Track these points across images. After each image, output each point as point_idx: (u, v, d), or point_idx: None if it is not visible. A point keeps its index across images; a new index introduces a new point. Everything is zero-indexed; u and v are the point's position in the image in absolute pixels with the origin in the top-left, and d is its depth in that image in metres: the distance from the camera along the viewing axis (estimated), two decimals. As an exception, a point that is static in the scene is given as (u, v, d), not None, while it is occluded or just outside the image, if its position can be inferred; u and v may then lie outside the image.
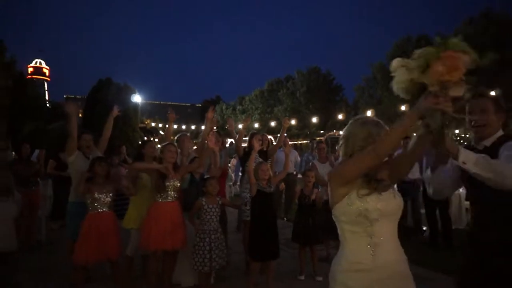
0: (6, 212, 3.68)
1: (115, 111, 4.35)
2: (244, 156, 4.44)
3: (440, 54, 1.36)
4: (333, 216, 1.65)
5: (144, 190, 3.75)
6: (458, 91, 1.38)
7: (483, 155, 1.67)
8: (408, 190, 5.90)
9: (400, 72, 1.49)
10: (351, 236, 1.58)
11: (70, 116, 3.79)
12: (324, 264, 4.29)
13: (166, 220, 3.41)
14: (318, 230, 4.23)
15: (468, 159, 1.63)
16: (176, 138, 4.50)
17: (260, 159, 4.38)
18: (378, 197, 1.55)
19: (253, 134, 4.47)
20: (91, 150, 4.06)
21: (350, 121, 1.72)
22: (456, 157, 1.64)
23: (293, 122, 26.42)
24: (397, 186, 6.39)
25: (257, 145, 4.03)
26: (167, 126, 4.60)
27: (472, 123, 1.93)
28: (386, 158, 1.53)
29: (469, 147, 1.92)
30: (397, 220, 1.64)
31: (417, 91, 1.46)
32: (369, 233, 1.54)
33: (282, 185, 5.40)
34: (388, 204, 1.56)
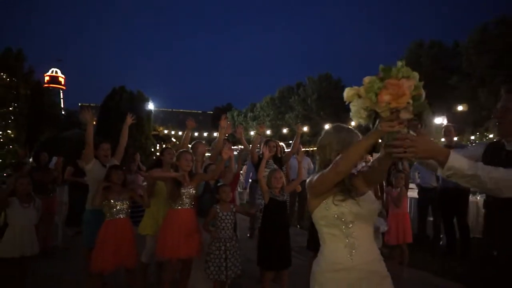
0: (29, 217, 3.75)
1: (129, 119, 4.40)
2: (258, 163, 4.45)
3: (384, 83, 1.42)
4: (313, 221, 1.78)
5: (159, 197, 3.79)
6: (407, 114, 1.47)
7: (479, 164, 1.54)
8: (427, 198, 5.83)
9: (354, 102, 1.54)
10: (330, 238, 1.70)
11: (86, 124, 3.84)
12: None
13: (182, 228, 3.42)
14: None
15: (460, 169, 1.49)
16: (191, 145, 4.54)
17: (275, 166, 4.39)
18: (353, 202, 1.67)
19: (267, 141, 4.49)
20: (108, 159, 4.11)
21: (325, 130, 1.90)
22: (441, 164, 1.50)
23: (305, 129, 26.33)
24: (418, 195, 6.31)
25: (267, 153, 4.03)
26: (185, 133, 4.65)
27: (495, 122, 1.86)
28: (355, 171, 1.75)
29: (494, 146, 1.84)
30: (372, 222, 1.77)
31: (374, 118, 1.54)
32: (346, 234, 1.65)
33: (299, 187, 5.39)
34: (362, 208, 1.67)
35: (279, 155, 4.74)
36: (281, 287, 3.69)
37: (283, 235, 3.70)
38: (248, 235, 6.57)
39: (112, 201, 3.43)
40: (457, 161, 1.48)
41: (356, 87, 1.54)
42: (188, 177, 3.52)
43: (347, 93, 1.56)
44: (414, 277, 4.28)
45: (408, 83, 1.45)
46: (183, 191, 3.47)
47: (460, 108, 16.06)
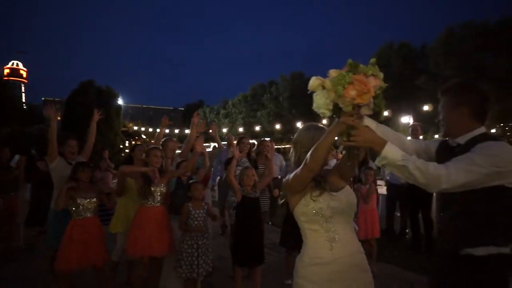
0: None
1: (97, 115, 4.24)
2: (229, 161, 4.43)
3: (351, 79, 1.46)
4: (295, 218, 1.82)
5: (130, 194, 3.70)
6: (367, 111, 1.54)
7: (412, 157, 1.58)
8: (395, 194, 6.01)
9: (318, 94, 1.56)
10: (311, 233, 1.76)
11: (50, 120, 3.68)
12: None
13: (152, 225, 3.36)
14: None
15: (392, 159, 1.57)
16: (161, 142, 4.46)
17: (248, 164, 4.38)
18: (330, 197, 1.74)
19: (240, 138, 4.47)
20: (75, 156, 3.95)
21: (299, 129, 1.96)
22: (378, 153, 1.60)
23: (277, 126, 26.56)
24: (387, 191, 6.46)
25: (237, 153, 4.02)
26: (157, 130, 4.56)
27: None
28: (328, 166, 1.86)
29: (443, 143, 1.84)
30: (351, 216, 1.84)
31: (335, 110, 1.57)
32: (326, 229, 1.72)
33: (276, 192, 5.41)
34: (340, 202, 1.74)
35: (252, 154, 4.73)
36: (254, 284, 3.70)
37: (256, 232, 3.71)
38: (220, 232, 6.54)
39: (78, 200, 3.31)
40: (391, 151, 1.56)
41: (321, 78, 1.56)
42: (158, 174, 3.47)
43: (313, 82, 1.58)
44: (383, 271, 4.40)
45: (374, 82, 1.50)
46: (153, 188, 3.42)
47: (426, 108, 16.73)
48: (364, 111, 1.54)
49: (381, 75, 1.55)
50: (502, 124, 22.31)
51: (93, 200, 3.39)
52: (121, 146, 19.07)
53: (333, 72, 1.53)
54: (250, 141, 5.17)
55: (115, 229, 3.77)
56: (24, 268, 4.74)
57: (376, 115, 1.63)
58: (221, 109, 49.28)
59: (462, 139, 1.72)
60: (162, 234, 3.38)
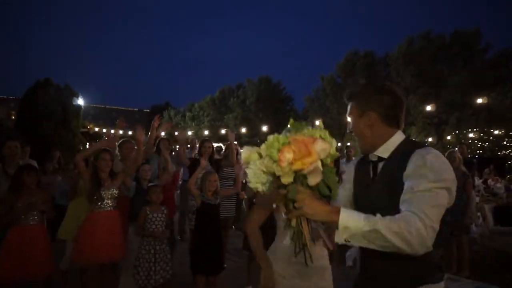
0: None
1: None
2: (191, 166, 4.31)
3: (288, 139, 1.21)
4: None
5: (80, 199, 3.51)
6: (316, 178, 1.21)
7: (375, 217, 1.21)
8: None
9: (252, 164, 1.27)
10: (283, 233, 1.97)
11: None
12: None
13: (103, 231, 3.18)
14: (269, 238, 4.18)
15: (356, 227, 1.20)
16: (118, 143, 4.28)
17: (210, 168, 4.29)
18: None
19: (203, 141, 4.39)
20: (17, 160, 3.68)
21: None
22: (337, 226, 1.22)
23: (243, 130, 26.50)
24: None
25: (204, 162, 3.89)
26: (112, 131, 4.37)
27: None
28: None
29: (361, 163, 1.59)
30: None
31: (276, 186, 1.26)
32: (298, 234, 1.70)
33: (243, 195, 5.34)
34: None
35: (219, 157, 4.65)
36: None
37: (215, 240, 3.61)
38: (179, 237, 6.37)
39: (20, 205, 3.04)
40: (349, 217, 1.20)
41: (256, 147, 1.29)
42: (108, 177, 3.33)
43: (245, 153, 1.29)
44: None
45: (322, 145, 1.20)
46: (103, 192, 3.25)
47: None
48: (312, 179, 1.20)
49: (334, 142, 1.26)
50: (457, 132, 23.59)
51: (36, 205, 3.11)
52: (81, 148, 18.24)
53: (271, 137, 1.27)
54: (217, 144, 5.10)
55: (63, 235, 3.57)
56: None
57: (327, 198, 1.27)
58: (187, 111, 48.63)
59: (384, 152, 1.45)
60: (112, 239, 3.21)
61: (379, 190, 1.42)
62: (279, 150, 1.19)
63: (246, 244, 4.08)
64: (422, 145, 1.42)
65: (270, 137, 1.26)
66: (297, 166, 1.18)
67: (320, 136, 1.23)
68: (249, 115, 40.39)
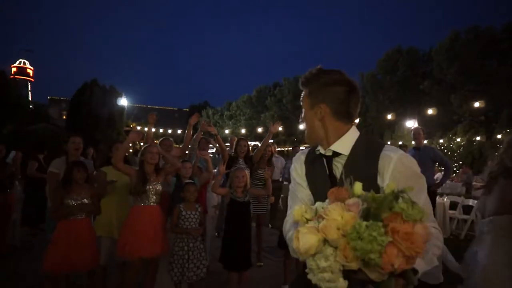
0: None
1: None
2: (230, 162, 4.35)
3: (389, 230, 0.86)
4: None
5: (115, 196, 3.60)
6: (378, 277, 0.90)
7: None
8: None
9: (318, 257, 0.93)
10: None
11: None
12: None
13: (146, 225, 3.25)
14: None
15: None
16: (158, 142, 4.40)
17: (245, 165, 4.32)
18: None
19: (239, 140, 4.41)
20: (79, 154, 3.92)
21: None
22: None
23: (280, 128, 26.44)
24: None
25: (222, 168, 3.86)
26: (160, 130, 4.49)
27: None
28: None
29: (311, 154, 1.48)
30: None
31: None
32: None
33: (272, 199, 5.31)
34: None
35: (251, 154, 4.64)
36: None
37: (243, 237, 3.62)
38: (216, 234, 6.46)
39: (69, 201, 3.20)
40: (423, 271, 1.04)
41: (313, 227, 0.94)
42: (154, 172, 3.40)
43: (304, 239, 0.94)
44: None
45: (421, 229, 0.88)
46: (148, 187, 3.32)
47: (430, 111, 16.55)
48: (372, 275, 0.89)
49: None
50: (508, 131, 22.05)
51: (84, 201, 3.27)
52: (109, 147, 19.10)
53: (333, 210, 0.93)
54: (254, 142, 5.09)
55: (98, 231, 3.59)
56: (20, 269, 4.67)
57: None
58: (225, 110, 49.30)
59: (340, 147, 1.36)
60: (155, 234, 3.27)
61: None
62: (370, 242, 0.84)
63: (281, 241, 4.06)
64: (381, 143, 1.38)
65: (348, 221, 0.89)
66: (401, 265, 0.85)
67: (414, 219, 0.88)
68: (286, 113, 40.26)
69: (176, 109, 76.47)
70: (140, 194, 3.31)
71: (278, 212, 7.72)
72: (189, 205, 3.49)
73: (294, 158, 1.55)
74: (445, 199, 6.90)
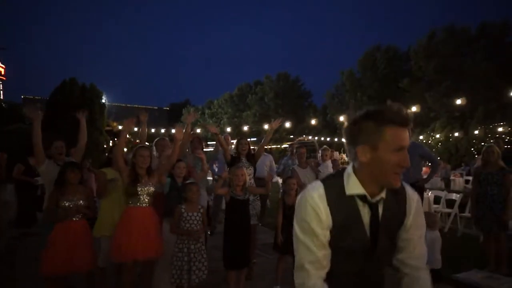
0: None
1: (81, 115, 4.09)
2: (232, 162, 4.33)
3: None
4: None
5: (115, 195, 3.56)
6: None
7: None
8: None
9: None
10: None
11: (32, 120, 3.46)
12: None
13: (138, 227, 3.20)
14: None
15: None
16: (154, 142, 4.35)
17: (247, 163, 4.34)
18: None
19: (239, 139, 4.42)
20: (63, 157, 3.83)
21: None
22: None
23: (265, 126, 26.45)
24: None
25: (225, 174, 3.87)
26: (140, 129, 4.43)
27: None
28: None
29: (333, 191, 1.34)
30: None
31: None
32: None
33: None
34: None
35: (252, 152, 4.65)
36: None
37: (242, 235, 3.63)
38: (209, 232, 6.45)
39: (65, 203, 3.16)
40: None
41: None
42: (145, 173, 3.36)
43: None
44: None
45: None
46: (140, 188, 3.28)
47: (414, 109, 16.98)
48: None
49: None
50: (483, 126, 22.89)
51: (80, 202, 3.23)
52: (105, 146, 18.65)
53: None
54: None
55: (99, 232, 3.60)
56: (9, 271, 4.55)
57: None
58: (206, 109, 49.03)
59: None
60: (148, 236, 3.22)
61: (383, 234, 1.31)
62: None
63: (276, 244, 4.07)
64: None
65: None
66: None
67: None
68: (268, 111, 40.38)
69: (156, 107, 75.41)
70: (132, 196, 3.27)
71: (266, 210, 7.76)
72: (191, 206, 3.44)
73: (312, 193, 1.31)
74: (429, 194, 7.11)
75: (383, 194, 1.30)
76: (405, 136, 1.22)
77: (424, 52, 27.06)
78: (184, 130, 4.06)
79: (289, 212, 4.13)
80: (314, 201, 1.29)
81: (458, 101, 17.23)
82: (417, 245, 1.37)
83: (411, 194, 1.37)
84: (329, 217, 1.27)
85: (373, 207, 1.29)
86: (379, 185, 1.28)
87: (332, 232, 1.29)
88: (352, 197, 1.29)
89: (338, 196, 1.30)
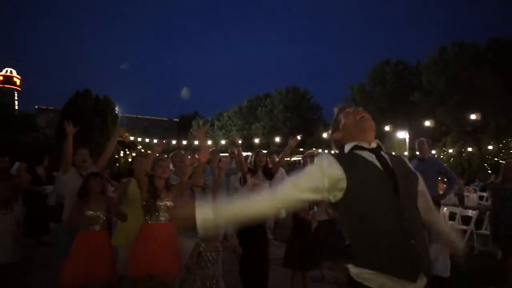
0: (7, 224, 3.51)
1: (121, 132, 4.36)
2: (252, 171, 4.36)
3: None
4: None
5: (132, 206, 3.60)
6: None
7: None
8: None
9: None
10: None
11: (68, 133, 3.67)
12: (318, 284, 4.17)
13: (156, 243, 3.15)
14: (314, 252, 3.98)
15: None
16: (170, 156, 4.38)
17: (263, 177, 4.34)
18: None
19: (257, 152, 4.44)
20: (87, 165, 3.89)
21: None
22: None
23: (277, 139, 26.58)
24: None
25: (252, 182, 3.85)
26: (155, 141, 4.47)
27: None
28: None
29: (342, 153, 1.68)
30: None
31: None
32: None
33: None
34: None
35: (270, 165, 4.66)
36: None
37: (260, 247, 3.64)
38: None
39: (88, 212, 3.19)
40: (201, 214, 1.38)
41: None
42: (164, 188, 3.33)
43: None
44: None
45: None
46: (159, 203, 3.23)
47: (427, 123, 16.90)
48: None
49: None
50: (496, 142, 22.60)
51: (102, 211, 3.27)
52: (116, 156, 18.87)
53: None
54: (247, 153, 5.10)
55: (116, 241, 3.66)
56: (22, 280, 4.58)
57: None
58: (216, 121, 49.26)
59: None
60: (165, 253, 3.16)
61: (401, 179, 1.46)
62: None
63: (286, 261, 4.02)
64: None
65: None
66: None
67: None
68: (277, 124, 40.43)
69: (166, 119, 76.12)
70: (151, 211, 3.22)
71: (279, 222, 7.69)
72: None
73: (321, 157, 1.54)
74: (444, 210, 7.01)
75: (374, 144, 1.56)
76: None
77: (434, 67, 27.04)
78: (201, 144, 4.03)
79: (302, 225, 4.09)
80: (323, 162, 1.49)
81: (473, 116, 17.06)
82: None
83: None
84: (340, 172, 1.44)
85: (376, 153, 1.51)
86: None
87: (352, 189, 1.42)
88: (354, 154, 1.53)
89: (343, 156, 1.56)
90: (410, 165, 1.62)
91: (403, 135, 20.65)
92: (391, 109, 30.13)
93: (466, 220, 6.93)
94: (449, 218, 7.01)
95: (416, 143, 5.56)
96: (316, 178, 1.45)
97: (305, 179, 1.48)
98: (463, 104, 24.22)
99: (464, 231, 6.69)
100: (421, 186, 1.60)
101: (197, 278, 3.12)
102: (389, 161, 1.50)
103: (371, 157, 1.51)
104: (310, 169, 1.54)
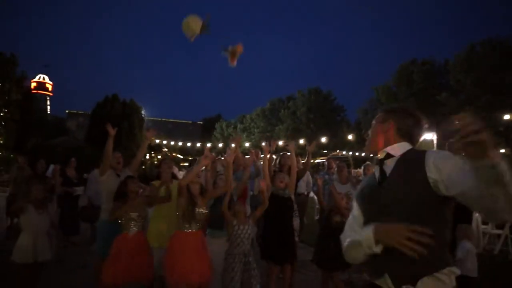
0: (43, 223, 3.68)
1: (151, 134, 4.43)
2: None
3: None
4: None
5: (162, 208, 3.68)
6: None
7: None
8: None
9: None
10: None
11: (109, 136, 3.86)
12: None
13: (193, 251, 3.13)
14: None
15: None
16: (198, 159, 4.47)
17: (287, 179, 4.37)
18: None
19: (283, 154, 4.47)
20: (121, 167, 4.07)
21: None
22: None
23: (301, 141, 26.43)
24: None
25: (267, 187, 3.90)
26: (179, 143, 4.55)
27: None
28: None
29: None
30: None
31: None
32: None
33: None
34: None
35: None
36: (283, 282, 3.71)
37: (285, 227, 3.74)
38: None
39: (131, 213, 3.30)
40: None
41: None
42: (199, 194, 3.30)
43: None
44: None
45: None
46: (198, 210, 3.19)
47: (450, 123, 16.32)
48: None
49: None
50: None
51: (141, 214, 3.37)
52: (142, 159, 19.38)
53: None
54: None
55: (151, 243, 3.65)
56: (56, 279, 4.75)
57: None
58: (239, 123, 49.49)
59: (393, 151, 1.65)
60: (201, 261, 3.14)
61: (395, 185, 1.53)
62: None
63: (315, 257, 3.99)
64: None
65: None
66: None
67: None
68: (300, 126, 40.22)
69: (190, 122, 77.19)
70: (189, 219, 3.16)
71: (304, 225, 7.65)
72: (242, 219, 3.48)
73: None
74: (477, 214, 6.77)
75: (381, 155, 1.66)
76: None
77: (462, 66, 26.17)
78: (234, 153, 4.02)
79: (336, 228, 4.00)
80: None
81: (507, 116, 16.38)
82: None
83: (429, 153, 1.51)
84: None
85: (379, 162, 1.65)
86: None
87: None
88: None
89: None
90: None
91: (430, 136, 20.07)
92: (417, 109, 29.32)
93: (500, 224, 6.68)
94: (482, 223, 6.77)
95: (447, 145, 5.39)
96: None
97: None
98: (492, 104, 23.30)
99: (499, 235, 6.44)
100: (434, 174, 1.44)
101: (236, 259, 3.32)
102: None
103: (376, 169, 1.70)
104: None
